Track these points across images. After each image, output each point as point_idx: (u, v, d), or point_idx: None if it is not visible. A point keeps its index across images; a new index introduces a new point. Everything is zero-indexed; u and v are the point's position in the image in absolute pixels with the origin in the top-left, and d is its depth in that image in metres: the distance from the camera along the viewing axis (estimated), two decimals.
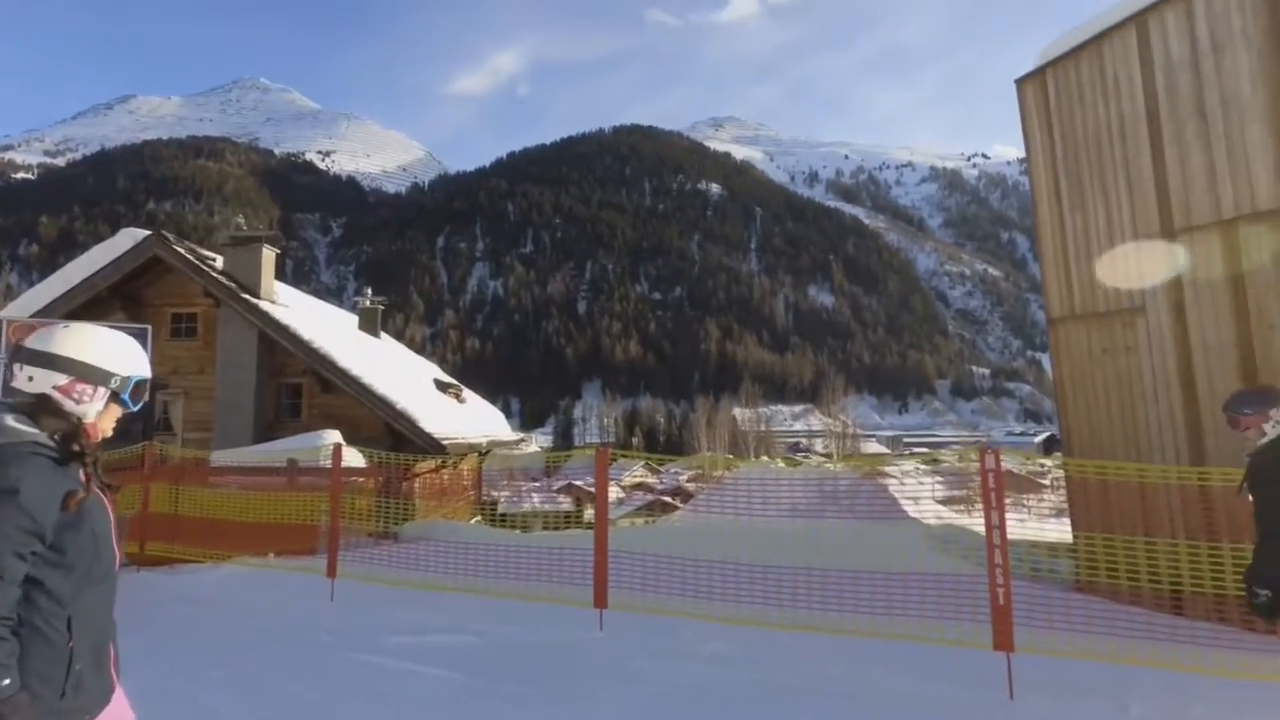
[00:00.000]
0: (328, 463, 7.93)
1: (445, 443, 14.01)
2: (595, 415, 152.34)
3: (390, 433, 13.93)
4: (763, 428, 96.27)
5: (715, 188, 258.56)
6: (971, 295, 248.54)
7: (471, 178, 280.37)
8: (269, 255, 15.45)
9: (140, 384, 1.92)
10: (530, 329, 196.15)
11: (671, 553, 5.44)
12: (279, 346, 14.52)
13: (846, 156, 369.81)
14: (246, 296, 14.45)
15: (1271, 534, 3.05)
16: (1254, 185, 6.27)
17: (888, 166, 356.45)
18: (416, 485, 14.49)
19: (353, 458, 11.22)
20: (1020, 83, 8.56)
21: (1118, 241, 7.43)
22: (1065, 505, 8.12)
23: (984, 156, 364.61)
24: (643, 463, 67.16)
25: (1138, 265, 7.23)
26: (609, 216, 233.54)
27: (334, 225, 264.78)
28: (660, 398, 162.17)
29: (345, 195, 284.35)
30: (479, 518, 18.98)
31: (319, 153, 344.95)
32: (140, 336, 10.48)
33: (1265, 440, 3.25)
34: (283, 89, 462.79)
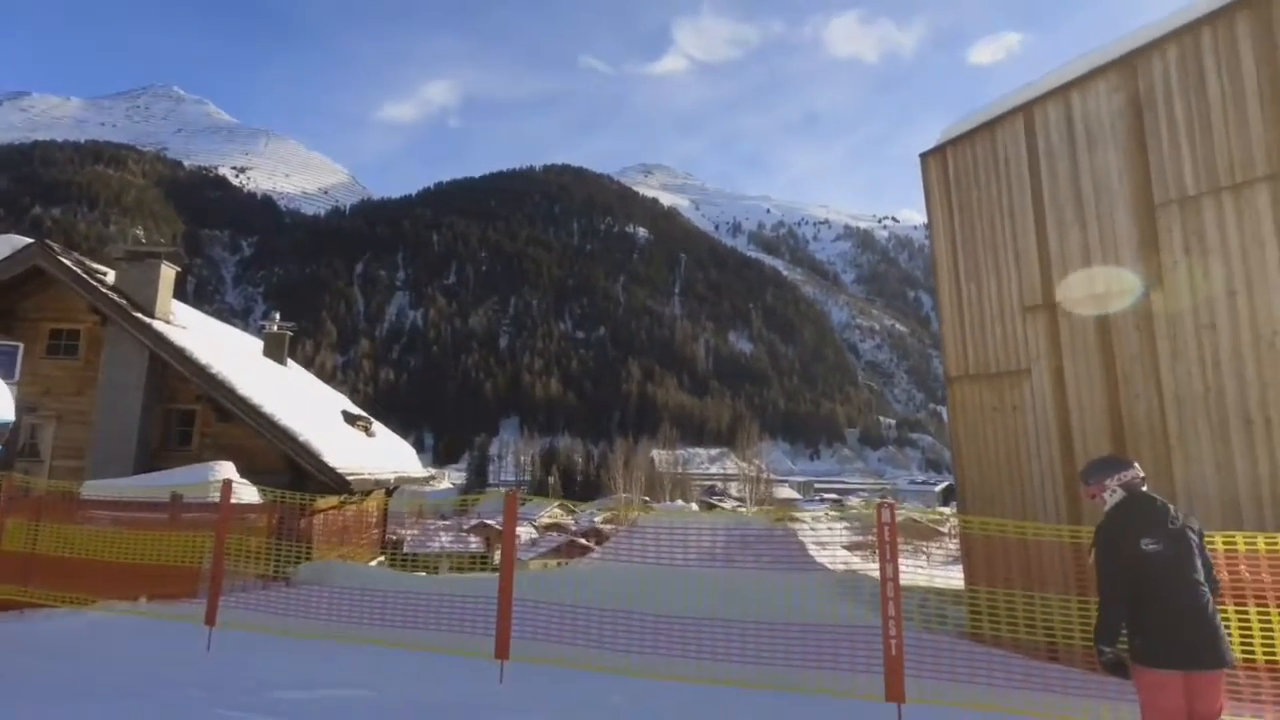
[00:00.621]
0: (217, 497, 7.40)
1: (350, 478, 13.36)
2: (512, 453, 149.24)
3: (291, 466, 13.18)
4: (680, 470, 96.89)
5: (642, 231, 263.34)
6: (880, 349, 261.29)
7: (396, 205, 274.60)
8: (168, 273, 14.55)
9: (1, 428, 1.76)
10: (449, 362, 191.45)
11: (579, 601, 5.34)
12: (172, 370, 13.58)
13: (768, 210, 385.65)
14: (138, 315, 13.50)
15: (1106, 595, 3.28)
16: (1121, 265, 6.95)
17: (806, 223, 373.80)
18: (316, 523, 13.71)
19: (248, 493, 10.54)
20: (924, 157, 9.23)
21: (1006, 309, 8.04)
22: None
23: (894, 219, 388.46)
24: (558, 502, 66.00)
25: (1023, 332, 7.84)
26: (535, 253, 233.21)
27: (244, 244, 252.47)
28: (579, 437, 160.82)
29: (259, 214, 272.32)
30: (382, 558, 18.09)
31: (234, 168, 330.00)
32: (9, 354, 9.59)
33: (1106, 507, 3.51)
34: (198, 100, 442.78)
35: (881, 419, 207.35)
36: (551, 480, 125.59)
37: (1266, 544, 4.01)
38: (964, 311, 8.55)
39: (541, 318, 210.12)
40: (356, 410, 20.53)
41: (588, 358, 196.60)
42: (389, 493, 19.75)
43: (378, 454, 17.40)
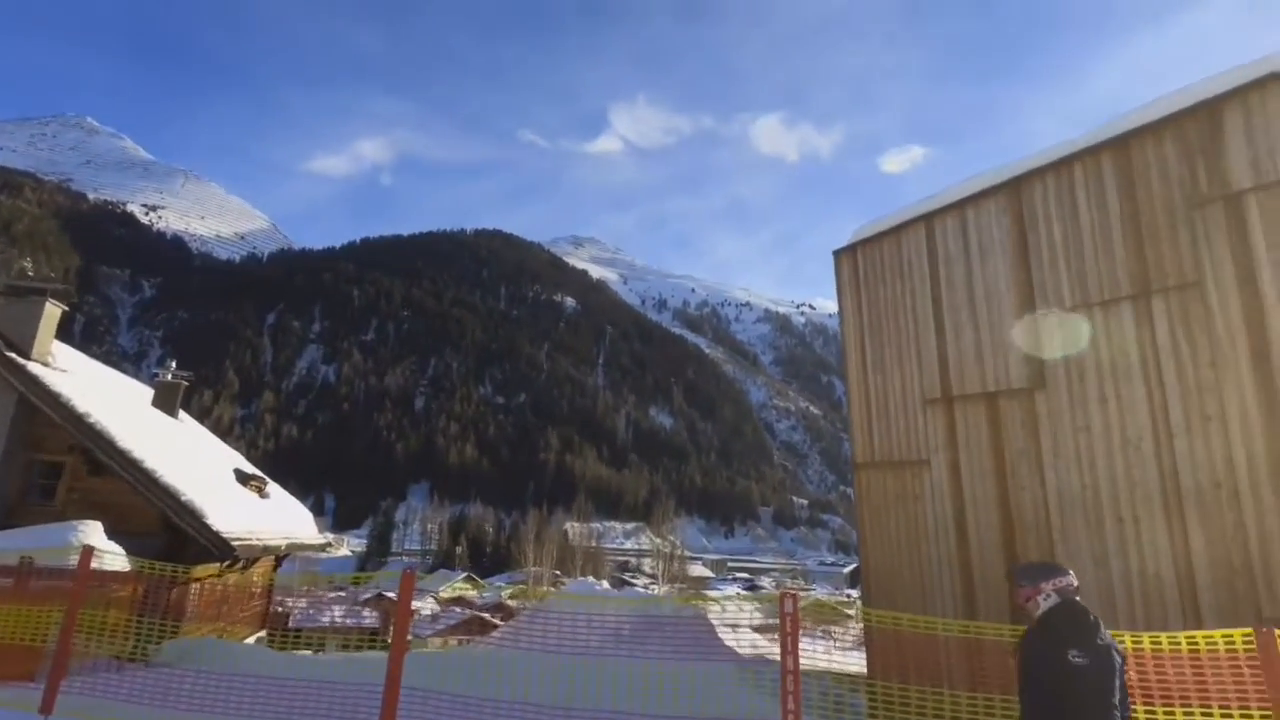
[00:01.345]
0: (76, 562, 6.66)
1: (235, 543, 12.34)
2: (419, 519, 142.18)
3: (169, 528, 12.09)
4: (593, 544, 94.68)
5: (570, 301, 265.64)
6: (795, 430, 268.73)
7: (318, 256, 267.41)
8: (52, 311, 13.48)
9: None
10: (359, 421, 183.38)
11: (475, 690, 5.04)
12: (41, 416, 12.41)
13: (693, 290, 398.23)
14: (11, 355, 12.38)
15: (1028, 705, 3.23)
16: (1009, 366, 7.50)
17: (729, 304, 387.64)
18: (190, 594, 12.51)
19: (115, 561, 9.56)
20: (837, 254, 9.82)
21: (909, 401, 8.48)
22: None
23: (810, 306, 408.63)
24: (465, 574, 62.94)
25: (924, 424, 8.26)
26: (460, 315, 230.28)
27: (146, 285, 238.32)
28: (492, 505, 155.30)
29: (166, 254, 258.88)
30: (263, 634, 16.63)
31: (144, 206, 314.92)
32: None
33: (1038, 612, 3.40)
34: (113, 133, 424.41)
35: (795, 499, 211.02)
36: (459, 550, 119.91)
37: (1133, 643, 4.26)
38: (871, 401, 8.96)
39: (461, 380, 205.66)
40: (251, 468, 19.24)
41: (506, 424, 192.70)
42: (279, 560, 18.38)
43: (269, 517, 16.25)
